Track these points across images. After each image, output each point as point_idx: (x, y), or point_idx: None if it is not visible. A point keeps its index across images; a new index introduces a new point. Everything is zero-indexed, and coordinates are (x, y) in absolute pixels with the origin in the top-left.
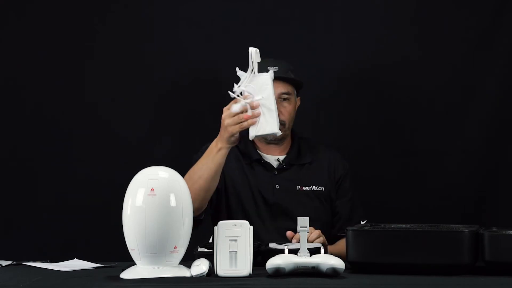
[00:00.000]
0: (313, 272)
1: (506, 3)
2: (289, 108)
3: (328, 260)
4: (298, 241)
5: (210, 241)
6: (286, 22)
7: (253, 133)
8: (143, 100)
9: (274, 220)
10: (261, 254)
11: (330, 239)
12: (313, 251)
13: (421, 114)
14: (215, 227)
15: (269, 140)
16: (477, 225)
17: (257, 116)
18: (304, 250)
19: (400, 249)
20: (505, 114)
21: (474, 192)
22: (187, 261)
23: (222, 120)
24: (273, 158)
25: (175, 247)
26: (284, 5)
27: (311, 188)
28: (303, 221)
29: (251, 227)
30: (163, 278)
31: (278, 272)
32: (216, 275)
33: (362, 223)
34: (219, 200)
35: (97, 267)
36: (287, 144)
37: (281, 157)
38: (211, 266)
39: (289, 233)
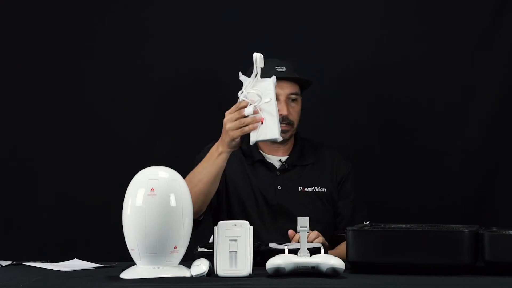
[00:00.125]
0: (313, 272)
1: (506, 3)
2: (297, 108)
3: (328, 260)
4: (298, 241)
5: (210, 241)
6: (286, 22)
7: (254, 138)
8: (143, 100)
9: (275, 221)
10: (261, 254)
11: (332, 241)
12: (313, 251)
13: (421, 114)
14: (215, 227)
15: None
16: (477, 225)
17: (258, 121)
18: (304, 250)
19: (400, 249)
20: (505, 114)
21: (474, 192)
22: (187, 261)
23: (223, 124)
24: (276, 158)
25: (175, 247)
26: (284, 5)
27: (313, 189)
28: (303, 221)
29: (251, 227)
30: (163, 278)
31: (278, 272)
32: (216, 275)
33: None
34: (219, 202)
35: (97, 267)
36: (290, 145)
37: (284, 158)
38: (211, 266)
39: (291, 232)
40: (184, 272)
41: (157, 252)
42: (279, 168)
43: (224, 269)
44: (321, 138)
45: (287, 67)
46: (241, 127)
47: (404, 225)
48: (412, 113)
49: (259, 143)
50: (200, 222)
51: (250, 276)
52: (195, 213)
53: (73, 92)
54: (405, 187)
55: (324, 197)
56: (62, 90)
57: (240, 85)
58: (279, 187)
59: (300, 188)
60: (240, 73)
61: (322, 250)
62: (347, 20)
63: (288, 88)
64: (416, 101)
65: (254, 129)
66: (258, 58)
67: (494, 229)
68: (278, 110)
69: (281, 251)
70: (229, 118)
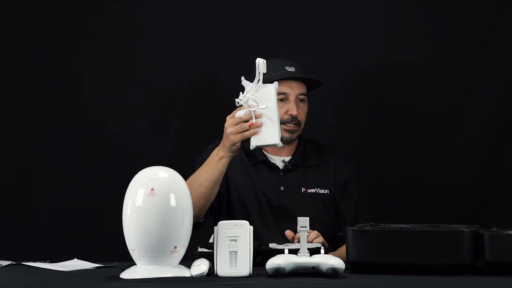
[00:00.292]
0: (313, 272)
1: (506, 3)
2: (305, 109)
3: (328, 260)
4: (298, 241)
5: (210, 241)
6: (286, 22)
7: (254, 143)
8: (143, 100)
9: (277, 222)
10: (261, 254)
11: (333, 242)
12: (313, 251)
13: (421, 114)
14: (215, 227)
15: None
16: (477, 225)
17: (259, 126)
18: (304, 250)
19: (400, 249)
20: (505, 114)
21: (474, 192)
22: (187, 261)
23: (224, 129)
24: (279, 159)
25: (175, 247)
26: (284, 5)
27: (316, 191)
28: (303, 221)
29: (251, 227)
30: (163, 278)
31: (278, 272)
32: (216, 275)
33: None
34: (220, 204)
35: (97, 267)
36: (293, 146)
37: (287, 158)
38: (211, 266)
39: (287, 232)
40: (184, 272)
41: (157, 252)
42: (282, 169)
43: (224, 269)
44: (321, 138)
45: (297, 67)
46: (241, 132)
47: (404, 225)
48: (412, 113)
49: None
50: (200, 224)
51: (250, 276)
52: (195, 216)
53: (73, 92)
54: (405, 187)
55: (327, 199)
56: (62, 90)
57: (240, 88)
58: (282, 188)
59: (303, 189)
60: (242, 78)
61: (322, 250)
62: (347, 20)
63: (298, 89)
64: (416, 101)
65: (254, 134)
66: (260, 64)
67: (494, 229)
68: (288, 110)
69: (281, 251)
70: (230, 123)
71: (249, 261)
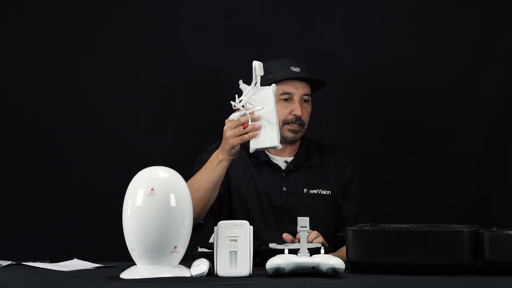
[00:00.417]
0: (313, 272)
1: (506, 3)
2: (309, 109)
3: (328, 260)
4: (298, 241)
5: (210, 241)
6: (286, 22)
7: (253, 145)
8: (143, 100)
9: (279, 223)
10: (261, 254)
11: (335, 242)
12: (313, 251)
13: (421, 114)
14: (215, 227)
15: (288, 141)
16: (477, 225)
17: (258, 129)
18: (304, 250)
19: (400, 249)
20: (505, 114)
21: (474, 192)
22: (187, 261)
23: (224, 132)
24: (281, 159)
25: (175, 247)
26: (284, 5)
27: (318, 191)
28: (303, 221)
29: (251, 227)
30: (163, 278)
31: (278, 272)
32: (216, 275)
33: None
34: (221, 206)
35: (97, 267)
36: (296, 146)
37: (289, 159)
38: (211, 266)
39: (285, 236)
40: (184, 272)
41: (157, 252)
42: (284, 169)
43: (224, 269)
44: (321, 138)
45: (302, 67)
46: (240, 135)
47: (404, 225)
48: (412, 113)
49: None
50: (201, 226)
51: (250, 276)
52: (194, 218)
53: (73, 92)
54: (405, 187)
55: (329, 200)
56: (62, 90)
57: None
58: (284, 189)
59: (305, 190)
60: (240, 81)
61: (322, 250)
62: (347, 20)
63: (303, 89)
64: (416, 101)
65: (253, 136)
66: (257, 66)
67: (494, 229)
68: (292, 110)
69: (281, 251)
70: (229, 126)
71: (249, 261)
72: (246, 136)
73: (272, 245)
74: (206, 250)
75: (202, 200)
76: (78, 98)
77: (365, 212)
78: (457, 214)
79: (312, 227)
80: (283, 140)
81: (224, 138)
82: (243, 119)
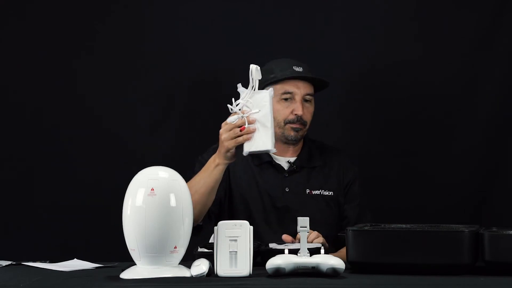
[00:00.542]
0: (313, 272)
1: (506, 3)
2: (311, 109)
3: (328, 260)
4: (298, 241)
5: (210, 241)
6: (286, 22)
7: (247, 149)
8: (143, 100)
9: (280, 223)
10: (261, 254)
11: (336, 243)
12: (313, 251)
13: (421, 114)
14: (215, 227)
15: (290, 140)
16: (477, 225)
17: (252, 131)
18: (304, 250)
19: (400, 249)
20: (505, 114)
21: (474, 192)
22: (187, 261)
23: (219, 135)
24: (284, 160)
25: (175, 247)
26: (284, 5)
27: (320, 192)
28: (303, 221)
29: (251, 227)
30: (163, 278)
31: (278, 272)
32: (216, 275)
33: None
34: (221, 210)
35: (97, 267)
36: (298, 146)
37: (292, 159)
38: (211, 266)
39: (285, 237)
40: (184, 272)
41: (157, 252)
42: (287, 170)
43: (224, 269)
44: (321, 139)
45: (304, 67)
46: (235, 138)
47: (404, 225)
48: (412, 113)
49: None
50: (200, 228)
51: (250, 276)
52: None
53: (73, 92)
54: (405, 187)
55: (331, 200)
56: (62, 90)
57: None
58: (287, 189)
59: (308, 191)
60: (239, 85)
61: (322, 250)
62: (347, 20)
63: (304, 89)
64: (416, 101)
65: (247, 139)
66: (254, 70)
67: (494, 229)
68: (293, 110)
69: (281, 251)
70: (224, 129)
71: (249, 261)
72: (240, 138)
73: (272, 245)
74: (206, 250)
75: (199, 203)
76: (78, 98)
77: (366, 213)
78: (457, 214)
79: (314, 227)
80: (285, 139)
81: (220, 141)
82: (239, 122)
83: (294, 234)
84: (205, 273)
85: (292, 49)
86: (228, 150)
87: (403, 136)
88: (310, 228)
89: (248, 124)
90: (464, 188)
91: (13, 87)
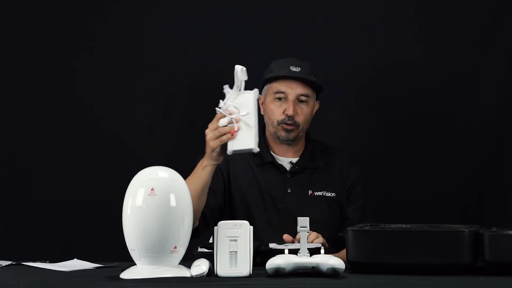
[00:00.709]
0: (313, 272)
1: (506, 3)
2: (305, 110)
3: (328, 260)
4: (298, 242)
5: (210, 241)
6: (286, 22)
7: (230, 147)
8: (143, 100)
9: (282, 224)
10: (261, 254)
11: (337, 244)
12: (313, 251)
13: (421, 114)
14: (215, 227)
15: (282, 140)
16: (477, 225)
17: (235, 131)
18: (304, 250)
19: (400, 249)
20: (505, 114)
21: (474, 192)
22: (187, 261)
23: (206, 136)
24: (286, 160)
25: (175, 247)
26: (284, 5)
27: (322, 193)
28: (303, 221)
29: (251, 227)
30: (163, 278)
31: (278, 272)
32: (216, 275)
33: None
34: (221, 216)
35: (97, 267)
36: (300, 147)
37: (294, 160)
38: (211, 266)
39: (285, 237)
40: (184, 272)
41: (157, 252)
42: (289, 170)
43: (224, 269)
44: (320, 139)
45: (303, 67)
46: (218, 137)
47: (404, 225)
48: (412, 113)
49: (270, 143)
50: (198, 231)
51: (250, 276)
52: None
53: (73, 92)
54: (405, 187)
55: (333, 202)
56: (62, 90)
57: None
58: (289, 190)
59: (310, 192)
60: (225, 86)
61: (322, 250)
62: (347, 20)
63: (298, 89)
64: (416, 101)
65: (231, 138)
66: (239, 71)
67: (494, 229)
68: (285, 110)
69: (281, 251)
70: (209, 129)
71: (249, 261)
72: (224, 137)
73: (272, 245)
74: (206, 250)
75: None
76: (78, 98)
77: (368, 214)
78: (457, 214)
79: (316, 229)
80: (278, 139)
81: (206, 142)
82: (224, 122)
83: (294, 235)
84: (205, 273)
85: (292, 49)
86: (213, 150)
87: (403, 136)
88: (311, 229)
89: (232, 124)
90: (464, 188)
91: (13, 87)
